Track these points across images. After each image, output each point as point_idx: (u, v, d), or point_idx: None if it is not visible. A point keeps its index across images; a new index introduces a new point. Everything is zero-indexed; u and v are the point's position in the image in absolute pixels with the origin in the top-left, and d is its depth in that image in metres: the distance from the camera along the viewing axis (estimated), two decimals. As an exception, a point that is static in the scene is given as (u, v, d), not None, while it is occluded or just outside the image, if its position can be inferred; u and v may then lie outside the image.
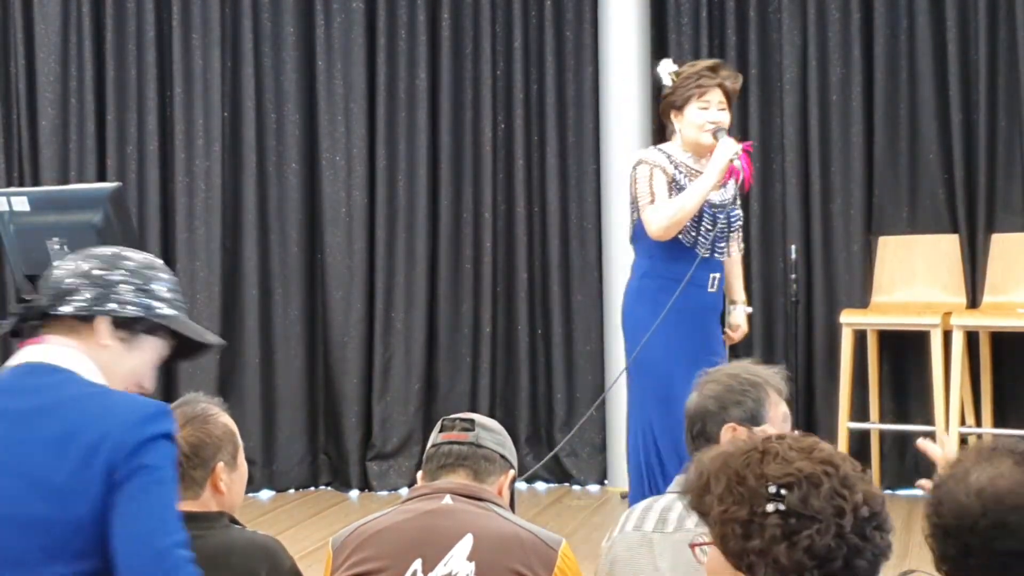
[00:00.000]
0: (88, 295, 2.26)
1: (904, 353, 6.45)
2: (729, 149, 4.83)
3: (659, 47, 6.79)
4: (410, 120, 6.92)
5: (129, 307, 2.28)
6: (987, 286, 6.32)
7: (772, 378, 2.93)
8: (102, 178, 6.60)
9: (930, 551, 2.07)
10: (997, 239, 6.35)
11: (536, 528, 2.75)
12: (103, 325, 2.27)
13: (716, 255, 4.96)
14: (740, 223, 5.11)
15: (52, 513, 2.09)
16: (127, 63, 6.75)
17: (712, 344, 4.96)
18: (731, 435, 2.83)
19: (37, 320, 2.27)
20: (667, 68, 5.05)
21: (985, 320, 6.13)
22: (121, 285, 2.28)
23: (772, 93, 6.70)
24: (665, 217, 4.84)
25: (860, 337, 6.35)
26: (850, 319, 6.28)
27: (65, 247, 3.98)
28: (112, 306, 2.26)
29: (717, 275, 4.97)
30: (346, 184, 6.89)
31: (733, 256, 5.12)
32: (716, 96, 4.93)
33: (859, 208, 6.56)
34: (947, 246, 6.41)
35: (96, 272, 2.28)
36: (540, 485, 6.86)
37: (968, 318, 6.11)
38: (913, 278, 6.43)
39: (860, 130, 6.55)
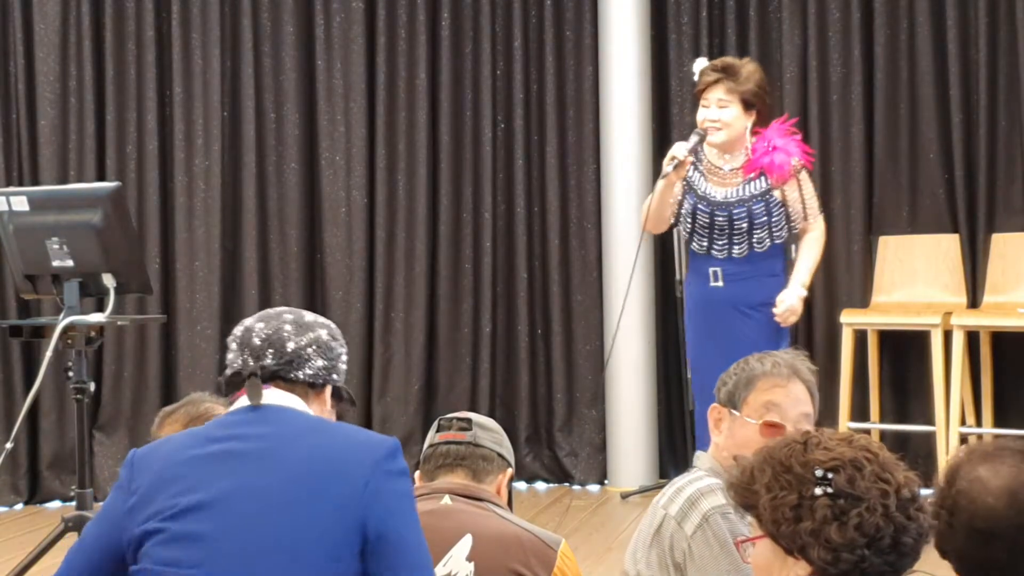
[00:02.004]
0: (320, 364, 2.41)
1: (904, 353, 6.45)
2: (669, 154, 5.01)
3: (659, 47, 6.80)
4: (410, 120, 6.91)
5: (343, 377, 2.47)
6: (987, 286, 6.31)
7: (780, 367, 2.87)
8: (101, 178, 6.60)
9: (950, 563, 2.08)
10: (997, 239, 6.35)
11: (535, 528, 2.74)
12: (327, 394, 2.44)
13: (714, 252, 5.02)
14: (746, 222, 5.05)
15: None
16: (127, 63, 6.75)
17: (726, 337, 4.97)
18: (716, 415, 2.87)
19: (268, 380, 2.39)
20: (699, 66, 5.20)
21: (985, 320, 6.13)
22: (342, 357, 2.46)
23: (772, 93, 6.68)
24: (644, 210, 5.19)
25: (860, 337, 6.34)
26: (850, 319, 6.27)
27: (65, 247, 3.98)
28: (335, 377, 2.44)
29: (719, 269, 5.02)
30: (346, 184, 6.89)
31: (804, 237, 5.13)
32: (716, 93, 5.04)
33: (859, 208, 6.55)
34: (947, 246, 6.41)
35: (327, 341, 2.43)
36: (540, 485, 6.86)
37: (968, 318, 6.11)
38: (913, 278, 6.43)
39: (860, 130, 6.55)
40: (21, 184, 6.50)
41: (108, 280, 3.99)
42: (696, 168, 5.12)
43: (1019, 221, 6.35)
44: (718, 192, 5.07)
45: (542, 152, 6.96)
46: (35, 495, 6.61)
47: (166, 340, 6.80)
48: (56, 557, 4.29)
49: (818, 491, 1.98)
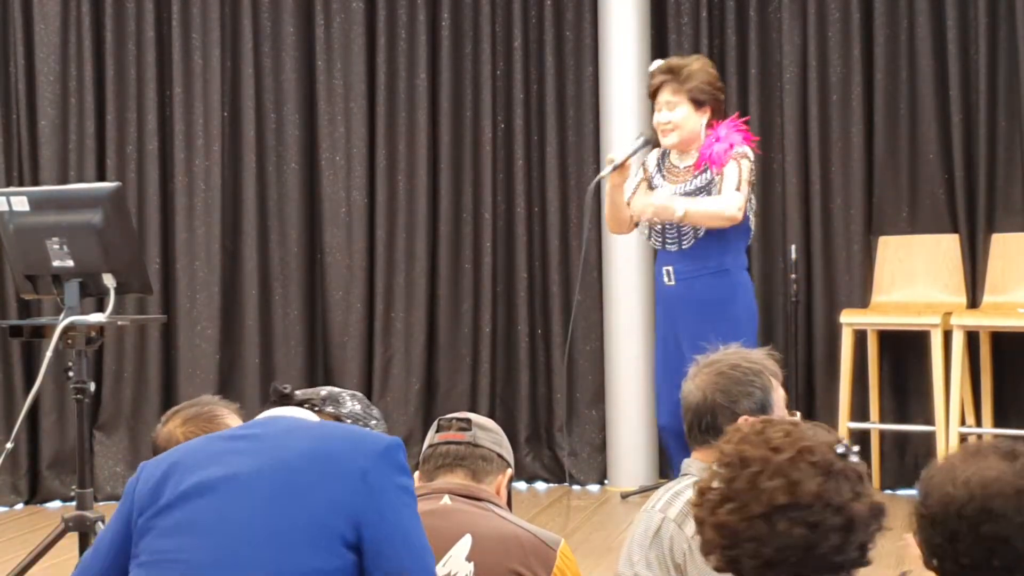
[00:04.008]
0: (352, 407, 2.56)
1: (904, 353, 6.45)
2: (608, 156, 5.21)
3: (659, 47, 6.79)
4: (410, 120, 6.92)
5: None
6: (987, 286, 6.31)
7: (768, 362, 2.94)
8: (102, 178, 6.60)
9: (919, 548, 2.10)
10: (997, 239, 6.35)
11: (535, 528, 2.74)
12: None
13: (668, 247, 5.10)
14: None
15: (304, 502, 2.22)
16: (127, 63, 6.75)
17: (682, 336, 5.04)
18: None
19: (296, 403, 2.49)
20: (652, 68, 5.34)
21: (985, 320, 6.13)
22: (376, 422, 2.60)
23: (772, 93, 6.70)
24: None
25: (860, 337, 6.34)
26: (850, 319, 6.27)
27: (65, 247, 3.98)
28: (373, 423, 2.59)
29: (671, 268, 5.09)
30: (346, 184, 6.90)
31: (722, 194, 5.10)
32: (664, 96, 5.20)
33: (859, 208, 6.55)
34: (947, 246, 6.41)
35: (364, 401, 2.61)
36: (540, 485, 6.86)
37: (968, 318, 6.11)
38: (913, 278, 6.43)
39: (860, 130, 6.55)
40: (21, 184, 6.50)
41: (108, 280, 3.99)
42: (659, 170, 5.24)
43: (1019, 221, 6.35)
44: (669, 189, 5.15)
45: (542, 152, 6.96)
46: (35, 495, 6.61)
47: (166, 340, 6.81)
48: (56, 557, 4.30)
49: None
